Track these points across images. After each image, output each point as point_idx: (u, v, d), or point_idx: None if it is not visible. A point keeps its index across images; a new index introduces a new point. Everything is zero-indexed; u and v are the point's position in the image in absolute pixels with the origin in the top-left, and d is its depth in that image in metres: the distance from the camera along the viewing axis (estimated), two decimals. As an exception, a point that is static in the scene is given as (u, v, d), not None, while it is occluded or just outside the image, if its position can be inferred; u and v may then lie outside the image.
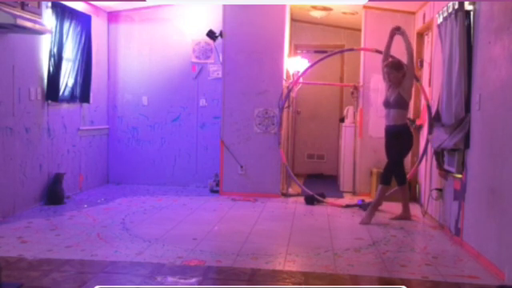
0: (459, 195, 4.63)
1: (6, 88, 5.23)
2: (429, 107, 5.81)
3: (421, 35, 6.68)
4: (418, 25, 6.65)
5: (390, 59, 5.73)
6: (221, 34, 6.99)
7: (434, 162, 5.44)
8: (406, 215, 5.65)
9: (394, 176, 5.59)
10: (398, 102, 5.46)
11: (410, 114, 6.85)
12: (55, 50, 5.96)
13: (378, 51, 6.33)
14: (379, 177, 5.72)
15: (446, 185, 5.11)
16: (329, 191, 7.12)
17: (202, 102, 7.54)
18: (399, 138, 5.52)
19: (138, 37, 7.62)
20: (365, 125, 7.09)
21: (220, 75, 7.16)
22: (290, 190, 7.21)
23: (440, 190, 5.30)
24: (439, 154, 5.22)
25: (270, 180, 6.92)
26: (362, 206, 6.20)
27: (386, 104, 5.57)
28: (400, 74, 5.49)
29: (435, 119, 5.28)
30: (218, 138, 7.17)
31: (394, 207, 6.20)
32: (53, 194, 5.97)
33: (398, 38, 5.88)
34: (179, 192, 7.14)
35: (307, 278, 3.65)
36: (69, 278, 3.47)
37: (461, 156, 4.63)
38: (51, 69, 5.93)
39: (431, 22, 5.89)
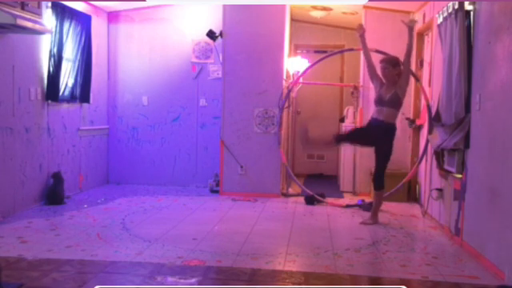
0: (459, 195, 4.63)
1: (5, 88, 5.23)
2: (429, 107, 5.81)
3: (421, 35, 6.68)
4: (418, 25, 6.64)
5: (387, 56, 5.66)
6: (221, 34, 6.99)
7: (434, 162, 5.44)
8: (374, 220, 5.44)
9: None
10: (393, 101, 5.32)
11: (410, 114, 6.86)
12: (55, 50, 5.96)
13: (378, 51, 6.33)
14: (375, 183, 5.50)
15: (446, 185, 5.11)
16: (329, 191, 7.12)
17: (202, 102, 7.54)
18: (389, 137, 5.40)
19: (138, 37, 7.62)
20: (365, 125, 7.09)
21: (220, 75, 7.16)
22: (290, 190, 7.21)
23: (440, 190, 5.30)
24: (439, 154, 5.22)
25: (270, 180, 6.92)
26: (362, 206, 6.20)
27: (380, 102, 5.37)
28: (395, 70, 5.35)
29: (435, 119, 5.27)
30: (217, 138, 7.17)
31: (394, 207, 6.22)
32: (53, 194, 5.97)
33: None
34: (179, 192, 7.14)
35: (307, 277, 3.65)
36: (69, 278, 3.47)
37: (461, 156, 4.63)
38: (51, 69, 5.93)
39: (431, 22, 5.89)
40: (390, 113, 5.35)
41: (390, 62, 5.39)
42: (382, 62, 5.47)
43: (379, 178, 5.47)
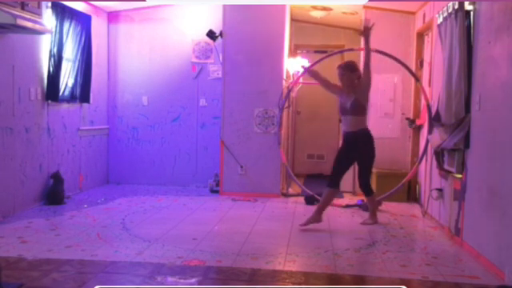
0: (459, 195, 4.63)
1: (5, 88, 5.23)
2: (429, 107, 5.81)
3: (421, 35, 6.68)
4: (418, 25, 6.65)
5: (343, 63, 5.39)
6: (221, 34, 6.99)
7: (434, 162, 5.44)
8: (373, 220, 5.43)
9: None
10: (355, 109, 5.13)
11: (410, 114, 6.87)
12: (55, 50, 5.96)
13: (378, 51, 6.33)
14: (364, 191, 5.42)
15: (446, 185, 5.11)
16: (329, 191, 7.11)
17: (202, 102, 7.54)
18: (364, 145, 5.22)
19: (138, 37, 7.62)
20: (365, 125, 7.08)
21: (220, 75, 7.16)
22: (290, 190, 7.21)
23: (440, 190, 5.30)
24: (439, 154, 5.22)
25: (270, 180, 6.92)
26: (362, 206, 6.20)
27: (342, 110, 5.23)
28: (354, 75, 5.17)
29: (435, 119, 5.27)
30: (217, 138, 7.17)
31: (394, 207, 6.22)
32: (53, 194, 5.97)
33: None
34: (179, 192, 7.14)
35: (307, 277, 3.65)
36: (69, 278, 3.47)
37: (461, 156, 4.63)
38: (51, 69, 5.94)
39: (431, 22, 5.89)
40: (355, 121, 5.17)
41: (348, 68, 5.22)
42: (338, 68, 5.28)
43: (367, 186, 5.38)
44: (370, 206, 5.49)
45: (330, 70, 8.64)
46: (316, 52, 8.77)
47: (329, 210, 6.16)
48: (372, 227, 5.26)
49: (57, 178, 6.02)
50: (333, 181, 5.27)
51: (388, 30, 6.91)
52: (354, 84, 5.19)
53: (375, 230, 5.12)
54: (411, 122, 6.73)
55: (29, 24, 4.91)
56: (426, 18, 6.20)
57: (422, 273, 3.81)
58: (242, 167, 6.91)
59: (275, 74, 6.91)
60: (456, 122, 4.55)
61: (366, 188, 5.40)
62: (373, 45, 6.62)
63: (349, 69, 5.22)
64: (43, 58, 5.88)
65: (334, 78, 8.70)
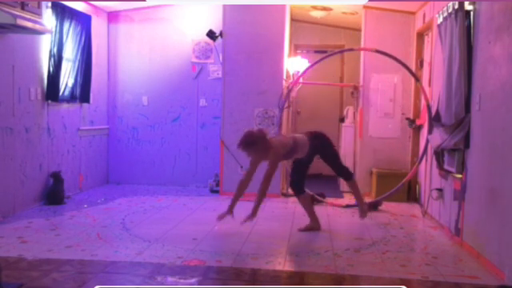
0: (459, 195, 4.63)
1: (5, 88, 5.23)
2: (429, 107, 5.81)
3: (421, 35, 6.68)
4: (418, 25, 6.65)
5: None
6: (221, 34, 6.99)
7: (434, 162, 5.44)
8: (363, 208, 5.30)
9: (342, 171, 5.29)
10: (290, 156, 5.10)
11: (410, 114, 6.86)
12: (55, 50, 5.96)
13: (377, 51, 6.34)
14: (344, 177, 5.35)
15: (446, 185, 5.11)
16: (329, 191, 7.12)
17: (202, 102, 7.54)
18: (324, 147, 5.10)
19: (138, 37, 7.62)
20: (365, 125, 7.09)
21: (220, 75, 7.16)
22: (290, 190, 7.19)
23: (440, 189, 5.30)
24: (439, 154, 5.22)
25: (270, 180, 6.91)
26: (362, 205, 6.19)
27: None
28: (259, 147, 4.82)
29: (435, 119, 5.27)
30: (217, 138, 7.17)
31: (394, 207, 6.22)
32: (53, 194, 5.97)
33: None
34: (179, 192, 7.14)
35: (307, 278, 3.65)
36: (69, 278, 3.47)
37: (461, 156, 4.63)
38: (51, 69, 5.94)
39: (431, 22, 5.89)
40: (300, 154, 5.07)
41: (245, 146, 4.85)
42: (238, 147, 4.93)
43: (342, 171, 5.25)
44: (354, 192, 5.30)
45: (330, 69, 8.74)
46: (316, 52, 8.77)
47: (329, 210, 6.18)
48: (372, 227, 5.25)
49: (57, 178, 6.02)
50: (297, 189, 5.25)
51: (388, 30, 6.92)
52: (265, 152, 4.87)
53: (375, 230, 5.12)
54: (411, 121, 6.73)
55: (29, 24, 4.91)
56: (426, 17, 6.20)
57: (422, 273, 3.81)
58: (241, 167, 6.90)
59: (275, 74, 6.91)
60: (456, 122, 4.54)
61: (343, 172, 5.25)
62: (373, 45, 6.66)
63: (247, 146, 4.85)
64: (43, 58, 5.88)
65: (333, 77, 8.79)
